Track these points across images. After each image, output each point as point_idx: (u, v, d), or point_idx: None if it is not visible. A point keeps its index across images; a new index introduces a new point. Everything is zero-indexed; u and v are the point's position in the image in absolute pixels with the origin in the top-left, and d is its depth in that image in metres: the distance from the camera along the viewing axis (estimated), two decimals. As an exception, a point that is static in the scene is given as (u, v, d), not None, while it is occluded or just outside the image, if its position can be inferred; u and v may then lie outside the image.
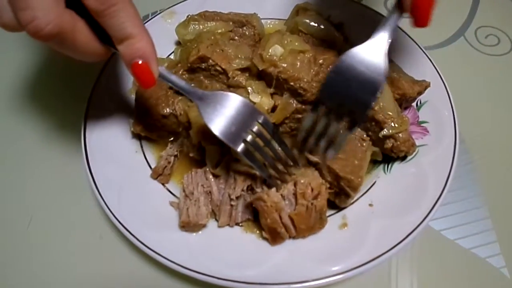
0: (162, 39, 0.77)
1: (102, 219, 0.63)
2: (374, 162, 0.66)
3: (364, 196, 0.62)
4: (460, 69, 0.84)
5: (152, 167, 0.64)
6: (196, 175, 0.62)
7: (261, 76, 0.64)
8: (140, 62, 0.46)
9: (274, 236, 0.57)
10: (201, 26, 0.72)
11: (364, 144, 0.62)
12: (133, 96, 0.68)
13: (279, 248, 0.57)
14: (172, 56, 0.77)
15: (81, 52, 0.45)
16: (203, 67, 0.65)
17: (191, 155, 0.65)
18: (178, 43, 0.78)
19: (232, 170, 0.61)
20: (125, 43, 0.45)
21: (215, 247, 0.57)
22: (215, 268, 0.54)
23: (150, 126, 0.65)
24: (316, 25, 0.69)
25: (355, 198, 0.62)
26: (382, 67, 0.49)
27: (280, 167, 0.58)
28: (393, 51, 0.72)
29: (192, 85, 0.51)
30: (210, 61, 0.64)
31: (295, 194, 0.56)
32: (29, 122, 0.74)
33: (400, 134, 0.61)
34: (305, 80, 0.60)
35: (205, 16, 0.73)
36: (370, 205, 0.61)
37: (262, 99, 0.62)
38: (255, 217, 0.60)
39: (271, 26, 0.83)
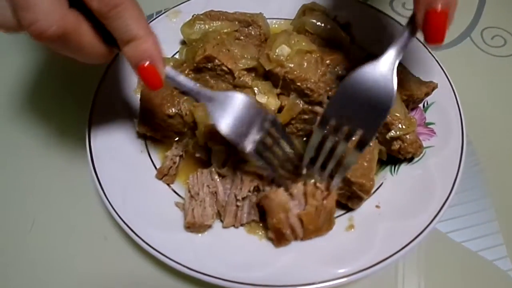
0: (167, 39, 0.76)
1: (106, 220, 0.63)
2: (381, 164, 0.65)
3: (371, 198, 0.62)
4: (466, 70, 0.83)
5: (157, 167, 0.64)
6: (202, 175, 0.61)
7: (268, 76, 0.63)
8: (146, 64, 0.45)
9: (278, 237, 0.56)
10: (206, 26, 0.72)
11: (371, 143, 0.61)
12: (138, 96, 0.67)
13: (285, 249, 0.57)
14: (177, 56, 0.77)
15: (85, 54, 0.44)
16: (209, 67, 0.64)
17: (197, 155, 0.65)
18: (183, 43, 0.77)
19: (239, 171, 0.60)
20: (131, 45, 0.44)
21: (220, 248, 0.57)
22: (221, 269, 0.53)
23: (155, 126, 0.65)
24: (323, 25, 0.68)
25: (361, 200, 0.61)
26: (390, 87, 0.47)
27: (289, 166, 0.57)
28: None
29: (198, 85, 0.51)
30: (216, 61, 0.63)
31: (305, 194, 0.56)
32: (33, 123, 0.74)
33: (408, 136, 0.60)
34: (312, 80, 0.60)
35: (210, 15, 0.73)
36: (377, 206, 0.61)
37: (269, 100, 0.62)
38: (261, 217, 0.59)
39: (276, 26, 0.82)
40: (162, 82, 0.46)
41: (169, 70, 0.48)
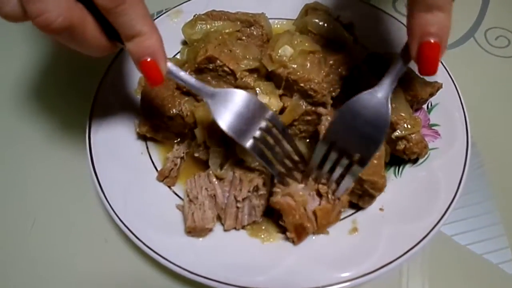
0: (168, 39, 0.73)
1: (107, 222, 0.62)
2: (385, 165, 0.64)
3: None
4: (469, 71, 0.82)
5: (158, 169, 0.63)
6: (199, 178, 0.61)
7: (270, 77, 0.62)
8: (148, 59, 0.45)
9: (300, 233, 0.56)
10: (208, 26, 0.71)
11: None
12: (139, 97, 0.67)
13: (288, 253, 0.56)
14: (178, 56, 0.76)
15: (89, 47, 0.45)
16: (210, 67, 0.64)
17: (196, 155, 0.64)
18: (184, 43, 0.77)
19: (237, 172, 0.60)
20: (134, 41, 0.44)
21: (222, 251, 0.56)
22: (223, 273, 0.53)
23: (155, 127, 0.64)
24: (325, 25, 0.67)
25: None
26: (385, 114, 0.49)
27: (289, 164, 0.57)
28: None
29: (199, 82, 0.51)
30: (218, 61, 0.62)
31: (317, 190, 0.56)
32: (33, 122, 0.73)
33: (413, 135, 0.60)
34: (315, 81, 0.59)
35: (212, 15, 0.72)
36: (381, 209, 0.60)
37: (271, 101, 0.61)
38: (269, 215, 0.59)
39: (278, 26, 0.81)
40: (163, 78, 0.47)
41: (170, 65, 0.49)
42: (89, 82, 0.68)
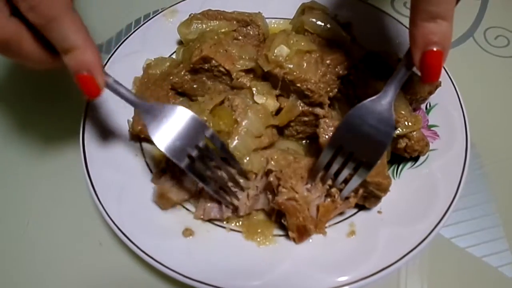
0: (164, 39, 0.75)
1: (101, 226, 0.61)
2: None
3: (372, 203, 0.60)
4: (469, 71, 0.81)
5: (153, 171, 0.62)
6: None
7: (266, 77, 0.62)
8: (85, 73, 0.45)
9: (302, 234, 0.56)
10: (204, 25, 0.70)
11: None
12: (133, 97, 0.66)
13: (284, 257, 0.55)
14: (174, 56, 0.75)
15: (28, 60, 0.46)
16: (206, 67, 0.63)
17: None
18: (180, 43, 0.76)
19: None
20: (69, 55, 0.45)
21: (217, 255, 0.55)
22: (218, 277, 0.52)
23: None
24: (322, 24, 0.67)
25: (363, 205, 0.60)
26: (390, 119, 0.50)
27: (229, 183, 0.57)
28: (402, 52, 0.70)
29: (136, 97, 0.51)
30: (213, 61, 0.62)
31: (328, 191, 0.56)
32: (26, 125, 0.72)
33: (414, 133, 0.59)
34: (312, 81, 0.58)
35: (208, 15, 0.71)
36: (379, 212, 0.59)
37: (267, 101, 0.60)
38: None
39: (275, 25, 0.81)
40: (100, 91, 0.47)
41: (110, 80, 0.49)
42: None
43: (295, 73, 0.58)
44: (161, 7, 0.82)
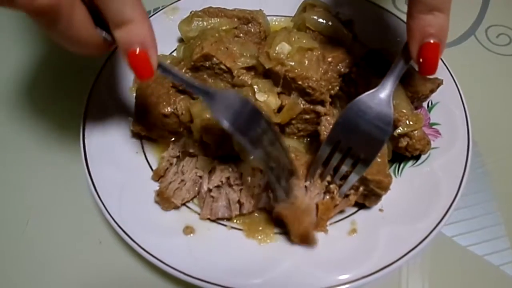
0: (165, 36, 0.74)
1: (101, 224, 0.61)
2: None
3: (374, 201, 0.60)
4: (470, 69, 0.81)
5: (154, 168, 0.62)
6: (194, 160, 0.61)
7: (268, 75, 0.61)
8: (137, 50, 0.41)
9: (304, 240, 0.55)
10: (205, 23, 0.70)
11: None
12: (133, 95, 0.66)
13: (286, 255, 0.55)
14: (174, 54, 0.75)
15: (76, 38, 0.40)
16: (207, 65, 0.62)
17: (191, 151, 0.63)
18: (181, 40, 0.75)
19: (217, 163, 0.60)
20: (123, 28, 0.40)
21: (218, 253, 0.55)
22: (219, 275, 0.52)
23: (150, 125, 0.63)
24: (324, 22, 0.66)
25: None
26: (388, 114, 0.50)
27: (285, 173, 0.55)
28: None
29: (195, 79, 0.49)
30: (214, 59, 0.61)
31: (326, 187, 0.56)
32: (27, 123, 0.72)
33: (415, 132, 0.59)
34: (313, 79, 0.58)
35: (209, 12, 0.71)
36: (380, 210, 0.59)
37: (269, 99, 0.60)
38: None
39: (276, 23, 0.80)
40: (153, 72, 0.43)
41: (162, 62, 0.46)
42: (83, 80, 0.67)
43: (296, 71, 0.58)
44: (161, 5, 0.81)
